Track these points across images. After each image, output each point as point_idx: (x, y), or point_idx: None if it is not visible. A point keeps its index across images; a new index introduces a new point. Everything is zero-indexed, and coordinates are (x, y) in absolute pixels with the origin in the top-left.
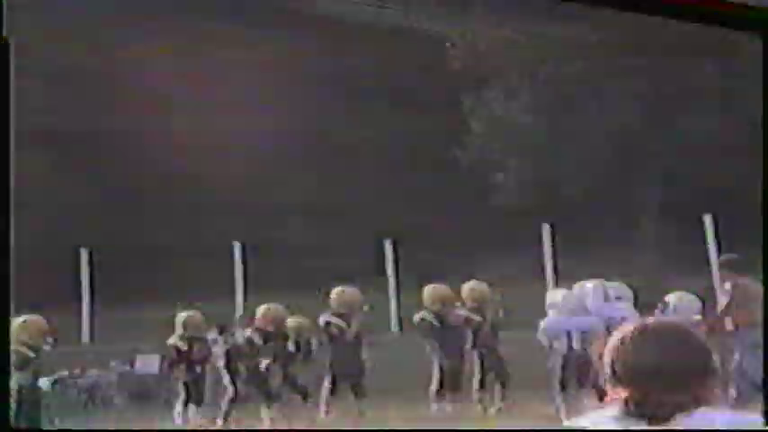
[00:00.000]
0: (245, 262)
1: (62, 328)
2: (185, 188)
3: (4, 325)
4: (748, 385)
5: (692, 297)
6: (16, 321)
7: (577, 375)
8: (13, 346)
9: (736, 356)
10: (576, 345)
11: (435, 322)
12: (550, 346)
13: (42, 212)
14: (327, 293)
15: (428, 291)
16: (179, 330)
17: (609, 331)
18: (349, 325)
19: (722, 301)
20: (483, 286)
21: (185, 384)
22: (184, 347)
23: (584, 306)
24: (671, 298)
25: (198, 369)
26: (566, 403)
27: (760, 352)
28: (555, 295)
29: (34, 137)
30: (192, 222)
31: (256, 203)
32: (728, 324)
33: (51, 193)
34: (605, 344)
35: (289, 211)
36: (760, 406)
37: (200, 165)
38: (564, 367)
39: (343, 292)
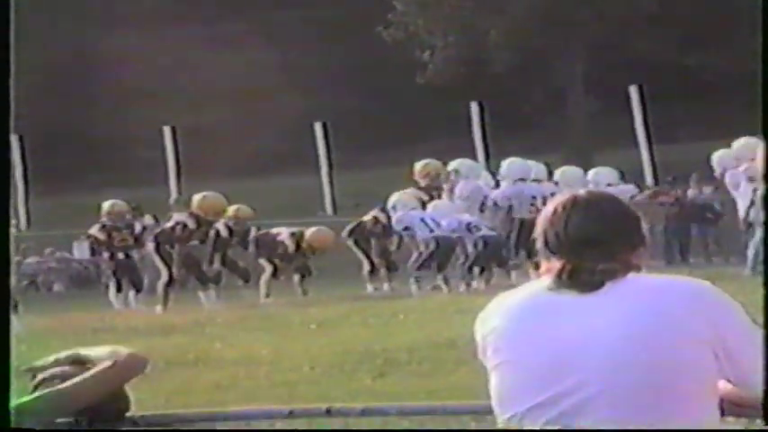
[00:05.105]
0: (176, 146)
1: None
2: (115, 74)
3: (5, 333)
4: None
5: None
6: None
7: (439, 259)
8: None
9: None
10: (436, 230)
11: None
12: (411, 236)
13: None
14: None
15: None
16: (101, 219)
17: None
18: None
19: None
20: (436, 163)
21: (113, 272)
22: (103, 237)
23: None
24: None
25: (121, 256)
26: (444, 282)
27: None
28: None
29: None
30: (123, 108)
31: (184, 88)
32: None
33: None
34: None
35: (216, 95)
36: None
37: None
38: (432, 251)
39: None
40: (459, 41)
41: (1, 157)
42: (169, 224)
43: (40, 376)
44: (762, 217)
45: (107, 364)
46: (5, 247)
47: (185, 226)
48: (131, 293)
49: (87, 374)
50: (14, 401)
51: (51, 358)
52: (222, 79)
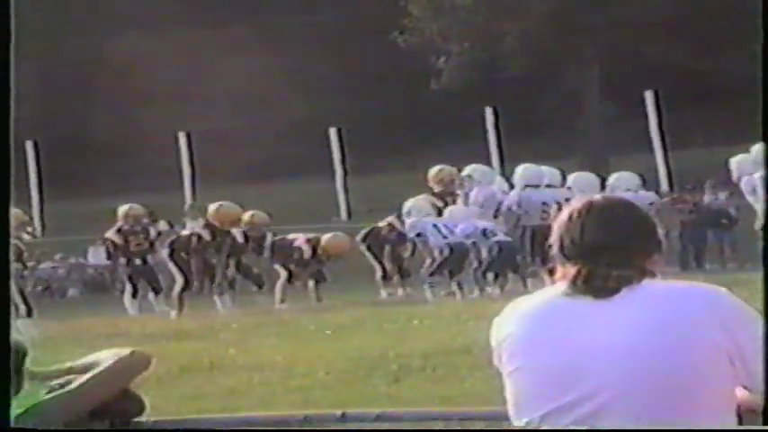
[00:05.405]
0: (191, 152)
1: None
2: (129, 79)
3: (5, 330)
4: None
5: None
6: None
7: (451, 266)
8: None
9: None
10: (449, 237)
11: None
12: (424, 243)
13: None
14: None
15: None
16: (118, 223)
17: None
18: None
19: None
20: (451, 169)
21: (129, 277)
22: (120, 241)
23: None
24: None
25: (138, 261)
26: (459, 289)
27: None
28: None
29: None
30: (137, 113)
31: (198, 93)
32: None
33: None
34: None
35: (229, 100)
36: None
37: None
38: (446, 258)
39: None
40: (473, 47)
41: (1, 158)
42: (184, 233)
43: (54, 382)
44: None
45: (112, 362)
46: (5, 250)
47: (200, 237)
48: (151, 295)
49: (94, 373)
50: (26, 404)
51: (53, 368)
52: (236, 84)
